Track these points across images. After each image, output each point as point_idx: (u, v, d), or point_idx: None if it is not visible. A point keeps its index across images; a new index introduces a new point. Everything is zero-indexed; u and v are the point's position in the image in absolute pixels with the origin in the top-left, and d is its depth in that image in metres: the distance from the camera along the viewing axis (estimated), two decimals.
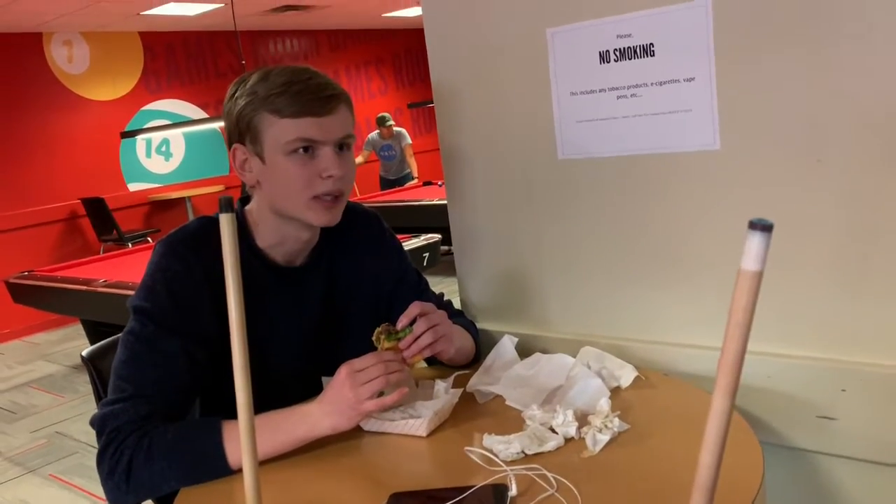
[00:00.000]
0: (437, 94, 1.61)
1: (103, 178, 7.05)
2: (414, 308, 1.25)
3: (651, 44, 1.29)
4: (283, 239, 1.30)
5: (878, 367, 1.16)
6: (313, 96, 1.20)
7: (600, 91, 1.37)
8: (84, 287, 4.23)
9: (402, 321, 1.24)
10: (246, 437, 0.69)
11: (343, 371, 1.16)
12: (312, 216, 1.24)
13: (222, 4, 6.14)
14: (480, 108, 1.54)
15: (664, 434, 1.13)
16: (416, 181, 7.47)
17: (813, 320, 1.23)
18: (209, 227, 1.29)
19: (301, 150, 1.21)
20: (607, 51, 1.34)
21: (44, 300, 4.69)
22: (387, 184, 7.69)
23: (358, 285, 1.44)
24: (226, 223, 0.72)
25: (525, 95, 1.46)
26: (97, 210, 6.60)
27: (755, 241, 0.46)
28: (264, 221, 1.30)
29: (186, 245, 1.25)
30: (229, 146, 1.28)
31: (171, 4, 6.12)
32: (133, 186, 7.33)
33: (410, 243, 4.36)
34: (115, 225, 6.53)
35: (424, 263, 4.43)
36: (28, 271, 4.94)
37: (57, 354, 5.75)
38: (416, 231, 4.55)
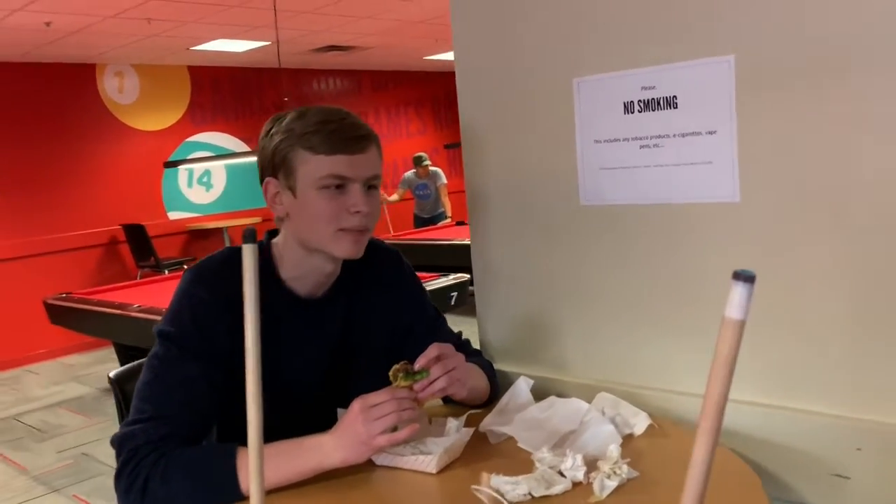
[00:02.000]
0: (465, 136, 1.65)
1: (145, 206, 7.23)
2: (433, 350, 1.27)
3: (674, 96, 1.31)
4: (307, 271, 1.34)
5: None
6: (347, 136, 1.25)
7: (623, 140, 1.39)
8: (118, 311, 4.32)
9: (421, 362, 1.26)
10: (254, 465, 0.71)
11: (356, 406, 1.19)
12: (338, 248, 1.28)
13: (269, 42, 6.33)
14: (506, 151, 1.57)
15: (672, 483, 1.12)
16: (449, 220, 7.53)
17: (830, 376, 1.22)
18: (237, 256, 1.33)
19: (333, 186, 1.25)
20: (631, 101, 1.37)
21: (79, 322, 4.79)
22: (421, 222, 7.76)
23: (375, 320, 1.47)
24: (248, 254, 0.75)
25: (550, 141, 1.50)
26: (137, 236, 6.76)
27: (738, 290, 0.48)
28: (290, 253, 1.34)
29: (214, 273, 1.29)
30: (262, 180, 1.33)
31: (220, 41, 6.33)
32: (173, 215, 7.50)
33: (439, 282, 4.38)
34: (153, 252, 6.67)
35: (452, 302, 4.44)
36: (66, 293, 5.06)
37: (89, 377, 5.85)
38: (447, 270, 4.58)
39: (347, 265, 1.41)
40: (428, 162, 7.55)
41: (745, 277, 0.48)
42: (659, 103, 1.33)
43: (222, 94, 7.81)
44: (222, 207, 7.83)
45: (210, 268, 1.30)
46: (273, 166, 1.29)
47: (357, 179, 1.26)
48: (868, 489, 1.17)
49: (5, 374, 6.19)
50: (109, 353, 5.90)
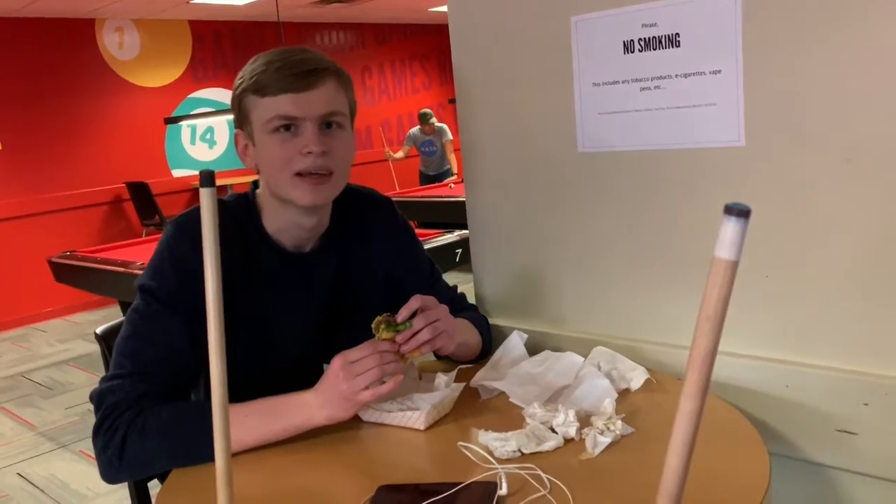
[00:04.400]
0: (459, 84, 1.57)
1: (148, 164, 7.17)
2: (414, 301, 1.21)
3: (677, 34, 1.24)
4: (287, 225, 1.28)
5: None
6: (292, 72, 1.17)
7: (623, 82, 1.32)
8: (122, 269, 4.30)
9: (402, 314, 1.20)
10: (219, 421, 0.66)
11: (337, 362, 1.14)
12: (296, 194, 1.21)
13: None
14: (501, 98, 1.50)
15: (668, 440, 1.08)
16: (455, 177, 7.45)
17: (837, 330, 1.17)
18: (221, 208, 1.28)
19: (282, 128, 1.18)
20: (632, 40, 1.29)
21: (84, 280, 4.78)
22: (426, 179, 7.67)
23: (369, 272, 1.41)
24: (205, 198, 0.70)
25: (547, 85, 1.42)
26: (141, 194, 6.72)
27: (730, 227, 0.42)
28: (268, 206, 1.28)
29: (195, 224, 1.24)
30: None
31: None
32: (177, 172, 7.45)
33: (444, 238, 4.33)
34: (158, 210, 6.63)
35: (457, 259, 4.39)
36: (70, 251, 5.05)
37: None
38: (453, 227, 4.52)
39: (337, 217, 1.35)
40: (434, 119, 7.43)
41: (739, 212, 0.42)
42: (660, 42, 1.25)
43: (224, 49, 7.69)
44: (226, 165, 7.76)
45: (192, 219, 1.25)
46: (237, 117, 1.24)
47: (308, 118, 1.18)
48: (874, 445, 1.13)
49: (13, 332, 6.22)
50: (116, 311, 5.91)
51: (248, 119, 1.22)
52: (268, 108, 1.18)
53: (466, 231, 1.65)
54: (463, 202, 1.66)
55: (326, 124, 1.21)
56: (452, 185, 6.83)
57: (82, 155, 6.77)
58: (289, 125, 1.19)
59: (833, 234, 1.15)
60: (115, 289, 4.58)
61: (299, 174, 1.19)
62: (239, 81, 1.22)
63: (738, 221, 0.42)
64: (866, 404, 1.13)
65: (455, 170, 7.51)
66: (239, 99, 1.22)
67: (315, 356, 1.40)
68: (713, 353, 0.45)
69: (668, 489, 0.47)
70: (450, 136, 7.48)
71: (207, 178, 0.71)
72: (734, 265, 0.43)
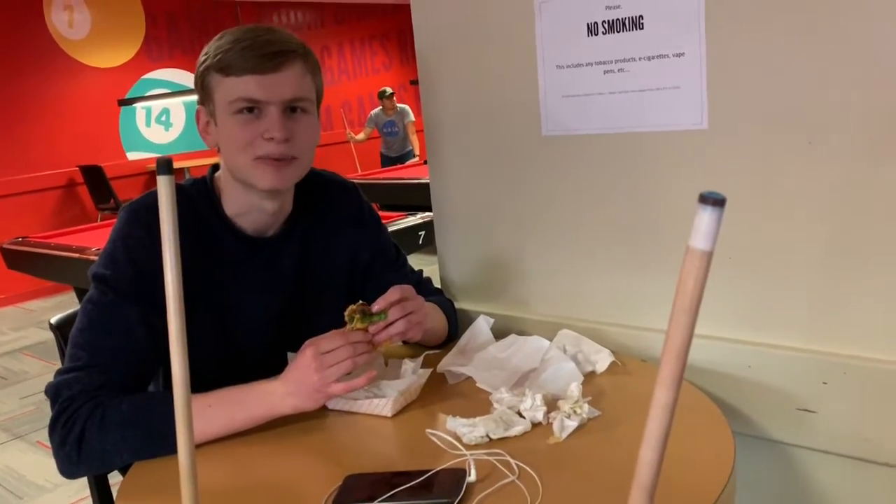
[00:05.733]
0: (422, 65, 1.55)
1: (102, 147, 6.99)
2: (394, 293, 1.20)
3: (640, 16, 1.23)
4: (248, 208, 1.25)
5: (862, 360, 1.12)
6: (258, 53, 1.14)
7: (587, 65, 1.31)
8: (77, 255, 4.19)
9: (380, 304, 1.19)
10: (181, 411, 0.64)
11: (308, 352, 1.12)
12: (258, 178, 1.18)
13: None
14: (464, 79, 1.48)
15: (635, 423, 1.08)
16: (417, 159, 7.40)
17: (796, 310, 1.19)
18: (177, 192, 1.24)
19: (245, 110, 1.16)
20: (595, 22, 1.28)
21: (37, 267, 4.65)
22: (388, 161, 7.62)
23: (333, 258, 1.39)
24: (163, 186, 0.68)
25: (510, 68, 1.41)
26: (95, 178, 6.55)
27: (706, 216, 0.42)
28: (228, 188, 1.25)
29: (150, 211, 1.20)
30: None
31: None
32: (132, 155, 7.27)
33: (407, 221, 4.31)
34: (113, 194, 6.48)
35: (420, 242, 4.38)
36: (22, 237, 4.90)
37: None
38: (416, 210, 4.49)
39: (301, 201, 1.33)
40: (392, 93, 7.36)
41: (714, 201, 0.41)
42: (624, 24, 1.25)
43: (179, 28, 7.50)
44: (183, 147, 7.61)
45: (147, 205, 1.21)
46: (199, 94, 1.21)
47: (272, 101, 1.15)
48: (833, 423, 1.15)
49: None
50: (71, 297, 5.78)
51: (210, 97, 1.18)
52: (231, 89, 1.15)
53: (429, 213, 1.63)
54: (425, 184, 1.65)
55: (291, 109, 1.18)
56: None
57: (33, 137, 6.57)
58: (252, 108, 1.16)
59: (794, 215, 1.16)
60: (70, 275, 4.47)
61: (259, 158, 1.17)
62: (203, 58, 1.18)
63: (713, 211, 0.41)
64: (825, 383, 1.15)
65: (417, 151, 7.47)
66: (203, 76, 1.18)
67: (278, 343, 1.37)
68: (688, 344, 0.44)
69: (643, 481, 0.47)
70: (412, 117, 7.42)
71: (164, 165, 0.68)
72: (709, 255, 0.43)
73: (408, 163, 7.40)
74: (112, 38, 7.02)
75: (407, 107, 7.52)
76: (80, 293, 4.70)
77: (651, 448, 0.47)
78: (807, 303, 1.17)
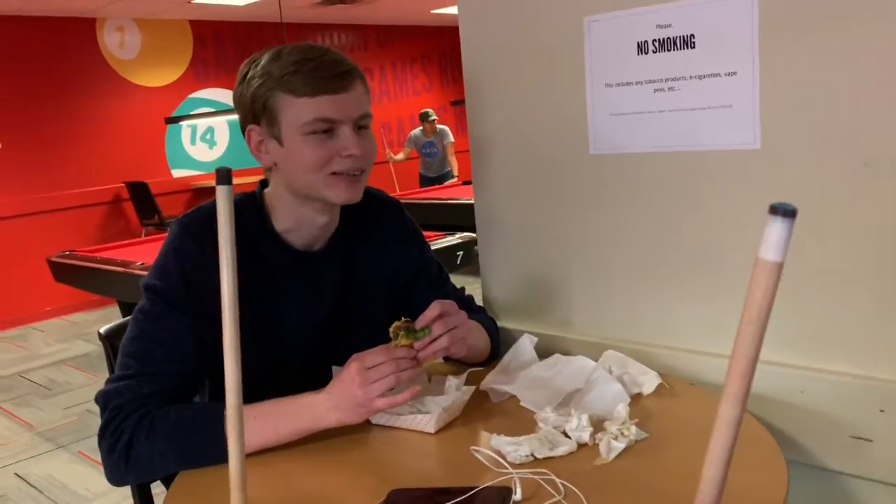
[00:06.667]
0: (469, 84, 1.56)
1: (148, 164, 7.15)
2: (435, 308, 1.20)
3: (692, 35, 1.23)
4: (300, 223, 1.27)
5: None
6: (328, 73, 1.17)
7: (637, 83, 1.30)
8: (121, 269, 4.28)
9: (422, 320, 1.19)
10: (233, 422, 0.65)
11: (353, 366, 1.12)
12: (332, 193, 1.21)
13: None
14: (511, 98, 1.49)
15: (683, 446, 1.06)
16: (455, 180, 7.42)
17: (852, 335, 1.16)
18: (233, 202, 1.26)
19: (321, 131, 1.18)
20: (646, 41, 1.28)
21: (83, 280, 4.75)
22: (427, 181, 7.65)
23: (376, 273, 1.40)
24: (222, 196, 0.69)
25: (558, 86, 1.41)
26: (140, 194, 6.69)
27: (776, 227, 0.41)
28: (282, 204, 1.27)
29: (201, 225, 1.22)
30: (243, 129, 1.25)
31: None
32: (177, 173, 7.42)
33: (445, 241, 4.31)
34: (157, 210, 6.61)
35: (458, 262, 4.38)
36: (70, 251, 5.02)
37: (94, 334, 5.80)
38: (454, 229, 4.50)
39: (346, 217, 1.34)
40: (435, 118, 7.41)
41: (785, 212, 0.40)
42: (675, 43, 1.24)
43: (225, 49, 7.67)
44: (226, 165, 7.72)
45: (197, 219, 1.23)
46: (254, 113, 1.21)
47: (345, 121, 1.18)
48: (890, 452, 1.11)
49: (11, 331, 6.19)
50: (115, 311, 5.88)
51: (274, 117, 1.19)
52: (305, 110, 1.17)
53: (468, 234, 1.63)
54: (464, 204, 1.65)
55: (358, 126, 1.21)
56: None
57: (82, 154, 6.74)
58: (328, 128, 1.18)
59: (849, 237, 1.13)
60: (114, 289, 4.56)
61: (335, 173, 1.20)
62: (262, 79, 1.18)
63: (784, 222, 0.41)
64: (882, 411, 1.11)
65: (456, 172, 7.49)
66: (260, 95, 1.19)
67: (318, 356, 1.38)
68: (755, 358, 0.43)
69: (706, 501, 0.45)
70: (451, 138, 7.46)
71: (224, 176, 0.70)
72: (779, 267, 0.42)
73: (446, 183, 7.42)
74: (161, 59, 7.20)
75: (446, 128, 7.56)
76: (124, 306, 4.79)
77: (714, 466, 0.46)
78: (863, 327, 1.14)
